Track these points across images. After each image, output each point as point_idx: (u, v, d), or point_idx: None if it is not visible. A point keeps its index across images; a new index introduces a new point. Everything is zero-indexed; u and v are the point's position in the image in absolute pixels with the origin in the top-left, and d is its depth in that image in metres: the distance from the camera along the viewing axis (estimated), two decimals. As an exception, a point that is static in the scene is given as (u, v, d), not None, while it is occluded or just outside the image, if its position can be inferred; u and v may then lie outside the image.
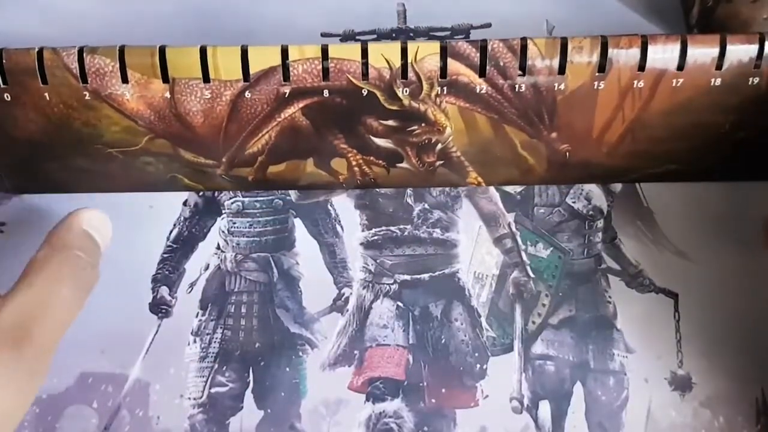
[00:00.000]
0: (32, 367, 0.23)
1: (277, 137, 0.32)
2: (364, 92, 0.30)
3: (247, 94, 0.30)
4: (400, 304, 0.33)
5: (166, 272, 0.33)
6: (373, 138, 0.32)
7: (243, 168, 0.33)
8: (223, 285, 0.33)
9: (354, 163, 0.33)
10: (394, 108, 0.31)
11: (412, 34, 0.40)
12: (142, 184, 0.33)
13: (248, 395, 0.31)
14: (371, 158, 0.33)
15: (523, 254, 0.33)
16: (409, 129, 0.31)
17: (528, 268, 0.33)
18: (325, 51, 0.30)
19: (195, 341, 0.32)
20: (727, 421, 0.30)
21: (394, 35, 0.40)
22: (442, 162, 0.33)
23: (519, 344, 0.32)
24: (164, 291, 0.33)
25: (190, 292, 0.33)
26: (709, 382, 0.30)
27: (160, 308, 0.33)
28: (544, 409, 0.30)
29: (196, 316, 0.32)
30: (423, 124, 0.31)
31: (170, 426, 0.30)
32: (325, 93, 0.30)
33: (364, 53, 0.30)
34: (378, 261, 0.34)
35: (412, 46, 0.29)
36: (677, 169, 0.33)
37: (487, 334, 0.32)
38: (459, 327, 0.32)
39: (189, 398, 0.31)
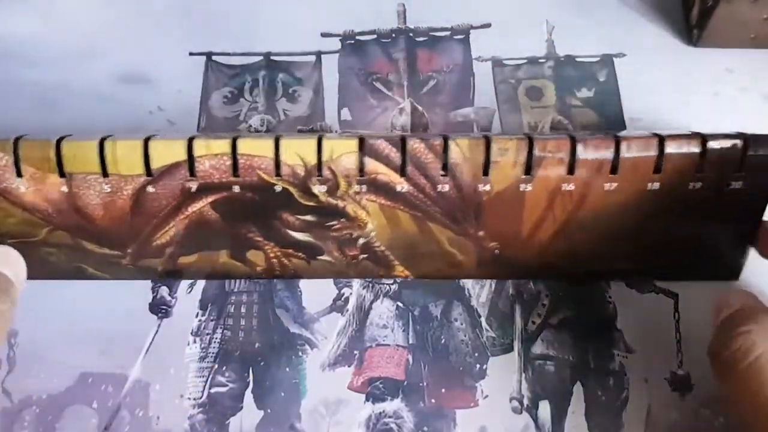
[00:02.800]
0: None
1: (185, 230, 0.31)
2: (277, 188, 0.29)
3: (150, 188, 0.29)
4: (400, 304, 0.33)
5: (166, 272, 0.33)
6: (290, 232, 0.31)
7: (152, 259, 0.32)
8: (223, 285, 0.33)
9: (272, 255, 0.31)
10: (311, 204, 0.30)
11: (411, 34, 0.40)
12: (46, 274, 0.32)
13: (248, 395, 0.31)
14: (290, 251, 0.31)
15: (523, 254, 0.33)
16: (328, 224, 0.30)
17: (528, 269, 0.33)
18: (234, 146, 0.28)
19: (195, 341, 0.32)
20: (727, 421, 0.30)
21: (394, 35, 0.40)
22: (365, 255, 0.31)
23: (519, 344, 0.32)
24: (164, 291, 0.33)
25: (190, 292, 0.33)
26: (709, 382, 0.30)
27: (160, 308, 0.33)
28: (544, 409, 0.30)
29: (196, 316, 0.32)
30: (343, 220, 0.30)
31: (170, 426, 0.30)
32: (235, 188, 0.29)
33: (276, 150, 0.28)
34: (378, 261, 0.34)
35: (327, 144, 0.28)
36: (617, 269, 0.32)
37: (487, 335, 0.32)
38: (459, 327, 0.32)
39: (189, 398, 0.31)
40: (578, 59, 0.39)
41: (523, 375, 0.31)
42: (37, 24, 0.41)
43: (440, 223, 0.30)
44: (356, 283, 0.33)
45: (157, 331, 0.32)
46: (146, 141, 0.29)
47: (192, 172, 0.29)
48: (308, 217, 0.30)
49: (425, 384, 0.31)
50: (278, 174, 0.29)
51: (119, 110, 0.37)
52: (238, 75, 0.39)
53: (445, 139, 0.28)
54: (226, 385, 0.31)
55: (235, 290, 0.33)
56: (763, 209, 0.29)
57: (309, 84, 0.39)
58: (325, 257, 0.31)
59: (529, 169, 0.28)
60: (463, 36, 0.40)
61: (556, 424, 0.30)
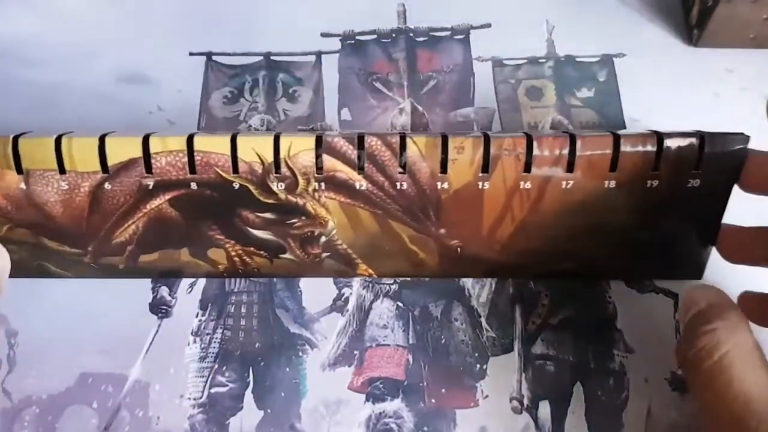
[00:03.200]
0: None
1: (145, 228, 0.30)
2: (236, 185, 0.29)
3: (107, 185, 0.29)
4: (400, 304, 0.33)
5: (166, 272, 0.33)
6: (251, 230, 0.30)
7: (112, 257, 0.32)
8: (223, 285, 0.33)
9: (233, 253, 0.31)
10: (270, 201, 0.29)
11: (411, 34, 0.40)
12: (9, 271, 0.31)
13: (248, 395, 0.31)
14: (251, 249, 0.31)
15: (523, 254, 0.33)
16: (288, 222, 0.30)
17: (528, 269, 0.33)
18: (190, 143, 0.28)
19: (195, 341, 0.32)
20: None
21: (394, 35, 0.40)
22: (328, 254, 0.31)
23: (519, 344, 0.32)
24: (164, 291, 0.33)
25: (190, 292, 0.33)
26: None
27: (160, 308, 0.33)
28: (544, 409, 0.30)
29: (196, 316, 0.32)
30: (303, 218, 0.30)
31: (170, 426, 0.30)
32: (193, 185, 0.29)
33: (234, 147, 0.28)
34: (378, 261, 0.34)
35: (285, 141, 0.28)
36: (576, 268, 0.32)
37: (487, 335, 0.32)
38: (459, 327, 0.32)
39: (189, 398, 0.31)
40: (578, 59, 0.39)
41: (523, 375, 0.31)
42: (37, 24, 0.41)
43: (401, 221, 0.30)
44: (356, 283, 0.33)
45: (157, 331, 0.32)
46: (102, 138, 0.29)
47: (148, 168, 0.29)
48: (268, 215, 0.30)
49: (425, 384, 0.31)
50: (236, 171, 0.29)
51: (119, 110, 0.37)
52: (238, 75, 0.39)
53: (402, 137, 0.28)
54: (226, 385, 0.31)
55: (235, 290, 0.33)
56: (723, 207, 0.29)
57: (309, 84, 0.39)
58: (287, 255, 0.31)
59: (486, 167, 0.28)
60: (463, 36, 0.40)
61: (556, 425, 0.30)
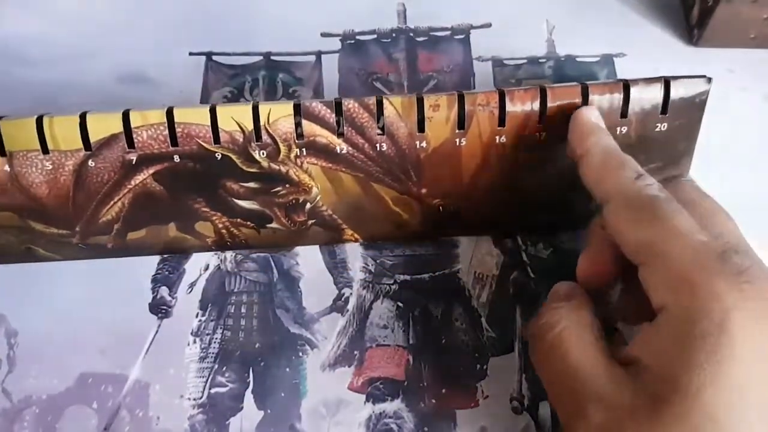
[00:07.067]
0: None
1: (131, 204, 0.30)
2: (218, 156, 0.29)
3: (91, 163, 0.29)
4: (400, 304, 0.33)
5: (166, 272, 0.33)
6: (236, 201, 0.31)
7: (100, 236, 0.31)
8: (223, 285, 0.33)
9: (220, 225, 0.32)
10: (253, 170, 0.30)
11: (412, 34, 0.40)
12: None
13: (248, 395, 0.31)
14: (238, 220, 0.31)
15: (524, 254, 0.33)
16: (273, 190, 0.30)
17: (528, 269, 0.33)
18: (170, 115, 0.28)
19: (195, 341, 0.32)
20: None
21: (394, 35, 0.40)
22: (314, 221, 0.32)
23: (519, 344, 0.32)
24: (164, 291, 0.33)
25: (190, 292, 0.33)
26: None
27: (160, 308, 0.33)
28: (545, 409, 0.30)
29: (196, 316, 0.32)
30: (287, 185, 0.30)
31: (170, 426, 0.30)
32: (176, 158, 0.29)
33: (213, 117, 0.28)
34: (378, 261, 0.34)
35: (263, 108, 0.28)
36: (556, 221, 0.32)
37: (487, 335, 0.32)
38: (459, 327, 0.32)
39: (189, 398, 0.31)
40: (578, 59, 0.39)
41: (524, 375, 0.31)
42: (37, 24, 0.41)
43: (383, 183, 0.30)
44: (356, 283, 0.33)
45: (157, 332, 0.32)
46: (83, 115, 0.29)
47: (130, 143, 0.29)
48: (252, 184, 0.30)
49: (425, 384, 0.31)
50: (217, 141, 0.29)
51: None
52: (238, 75, 0.39)
53: (379, 99, 0.29)
54: (226, 386, 0.31)
55: (235, 290, 0.33)
56: (691, 150, 0.30)
57: (309, 84, 0.39)
58: (273, 225, 0.31)
59: (462, 123, 0.29)
60: (464, 36, 0.40)
61: (557, 425, 0.30)
